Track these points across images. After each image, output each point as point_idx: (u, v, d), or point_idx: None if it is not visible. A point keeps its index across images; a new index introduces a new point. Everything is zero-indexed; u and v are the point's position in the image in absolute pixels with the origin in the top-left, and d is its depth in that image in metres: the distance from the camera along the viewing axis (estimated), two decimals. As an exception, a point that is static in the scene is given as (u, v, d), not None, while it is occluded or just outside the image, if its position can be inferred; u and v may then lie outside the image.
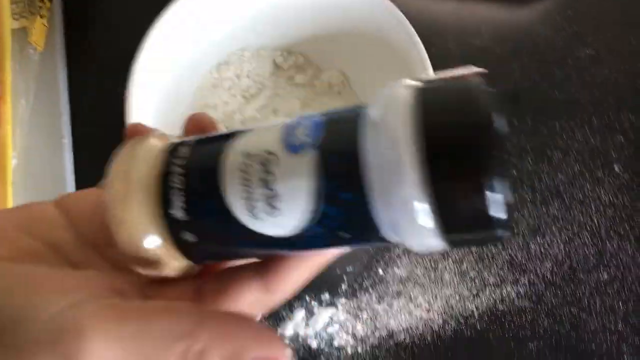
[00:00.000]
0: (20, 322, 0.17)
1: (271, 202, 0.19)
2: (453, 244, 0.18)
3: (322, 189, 0.18)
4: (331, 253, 0.22)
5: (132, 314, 0.18)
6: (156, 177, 0.21)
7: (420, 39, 0.45)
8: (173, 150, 0.21)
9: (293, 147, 0.19)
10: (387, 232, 0.18)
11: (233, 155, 0.20)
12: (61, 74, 0.54)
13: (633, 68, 0.58)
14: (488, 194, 0.16)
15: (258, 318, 0.22)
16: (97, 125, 0.53)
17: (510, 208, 0.17)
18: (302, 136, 0.19)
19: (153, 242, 0.21)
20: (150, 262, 0.21)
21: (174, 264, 0.21)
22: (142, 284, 0.22)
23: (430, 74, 0.44)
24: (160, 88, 0.46)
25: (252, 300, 0.22)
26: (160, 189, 0.21)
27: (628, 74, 0.58)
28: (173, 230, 0.21)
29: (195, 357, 0.17)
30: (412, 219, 0.17)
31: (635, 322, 0.50)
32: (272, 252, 0.21)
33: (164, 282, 0.22)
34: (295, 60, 0.53)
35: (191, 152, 0.21)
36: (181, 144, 0.22)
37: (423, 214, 0.17)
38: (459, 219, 0.17)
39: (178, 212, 0.20)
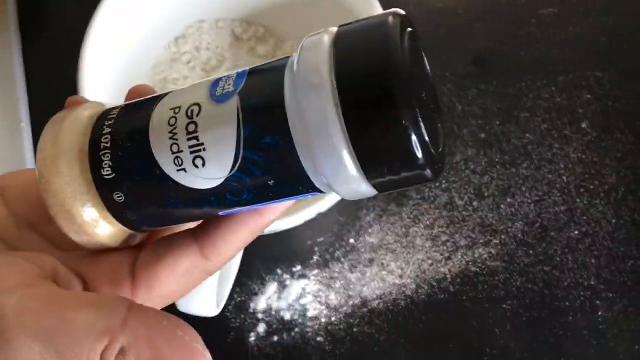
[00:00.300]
0: None
1: (197, 152, 0.18)
2: (381, 186, 0.18)
3: (244, 134, 0.18)
4: (270, 214, 0.21)
5: (52, 306, 0.17)
6: (85, 141, 0.20)
7: (380, 2, 0.44)
8: (104, 113, 0.21)
9: (217, 97, 0.19)
10: (313, 178, 0.18)
11: (161, 110, 0.20)
12: (16, 58, 0.53)
13: (597, 23, 0.58)
14: (403, 130, 0.16)
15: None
16: (57, 108, 0.52)
17: (431, 144, 0.17)
18: (226, 86, 0.19)
19: (84, 205, 0.20)
20: (85, 228, 0.20)
21: (110, 229, 0.21)
22: (78, 259, 0.21)
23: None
24: (116, 65, 0.45)
25: (189, 266, 0.21)
26: (90, 151, 0.20)
27: (592, 30, 0.58)
28: (103, 191, 0.20)
29: (113, 356, 0.17)
30: (335, 164, 0.17)
31: (608, 276, 0.50)
32: (205, 211, 0.20)
33: (101, 254, 0.22)
34: (255, 30, 0.52)
35: (121, 112, 0.21)
36: (113, 107, 0.21)
37: (344, 157, 0.17)
38: (379, 159, 0.17)
39: (106, 171, 0.20)
